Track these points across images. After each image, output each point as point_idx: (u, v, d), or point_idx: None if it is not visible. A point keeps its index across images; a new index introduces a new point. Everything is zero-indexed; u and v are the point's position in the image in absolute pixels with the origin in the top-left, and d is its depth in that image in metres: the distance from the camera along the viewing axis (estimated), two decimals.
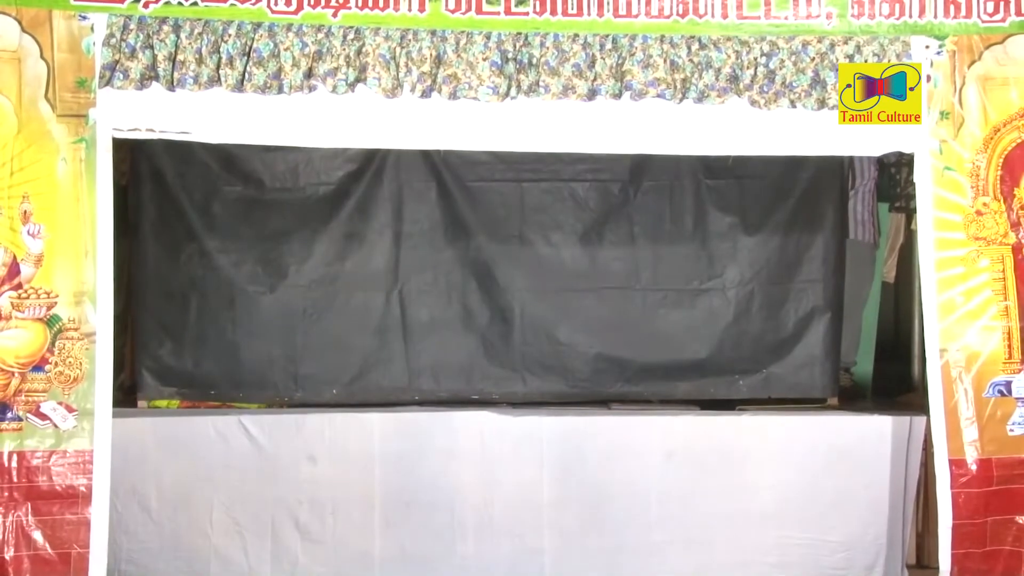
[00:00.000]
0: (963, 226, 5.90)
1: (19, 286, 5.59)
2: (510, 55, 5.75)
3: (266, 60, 5.66)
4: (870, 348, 7.65)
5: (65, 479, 5.59)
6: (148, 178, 7.03)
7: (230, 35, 5.66)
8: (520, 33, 5.77)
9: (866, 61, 5.80)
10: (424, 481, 6.63)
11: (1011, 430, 5.89)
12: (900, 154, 6.41)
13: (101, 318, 5.63)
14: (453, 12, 5.76)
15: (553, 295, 7.18)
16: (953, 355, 5.89)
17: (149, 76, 5.62)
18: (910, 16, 5.88)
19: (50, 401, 5.61)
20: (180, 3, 5.67)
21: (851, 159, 7.34)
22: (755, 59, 5.81)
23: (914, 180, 5.96)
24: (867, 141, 5.93)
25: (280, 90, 5.67)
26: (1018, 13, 5.90)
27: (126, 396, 7.07)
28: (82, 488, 5.59)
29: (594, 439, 6.75)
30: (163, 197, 7.04)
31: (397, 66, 5.70)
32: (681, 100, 5.79)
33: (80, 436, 5.60)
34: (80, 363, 5.61)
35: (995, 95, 5.91)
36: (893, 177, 7.51)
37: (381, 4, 5.73)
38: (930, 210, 5.90)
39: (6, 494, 5.57)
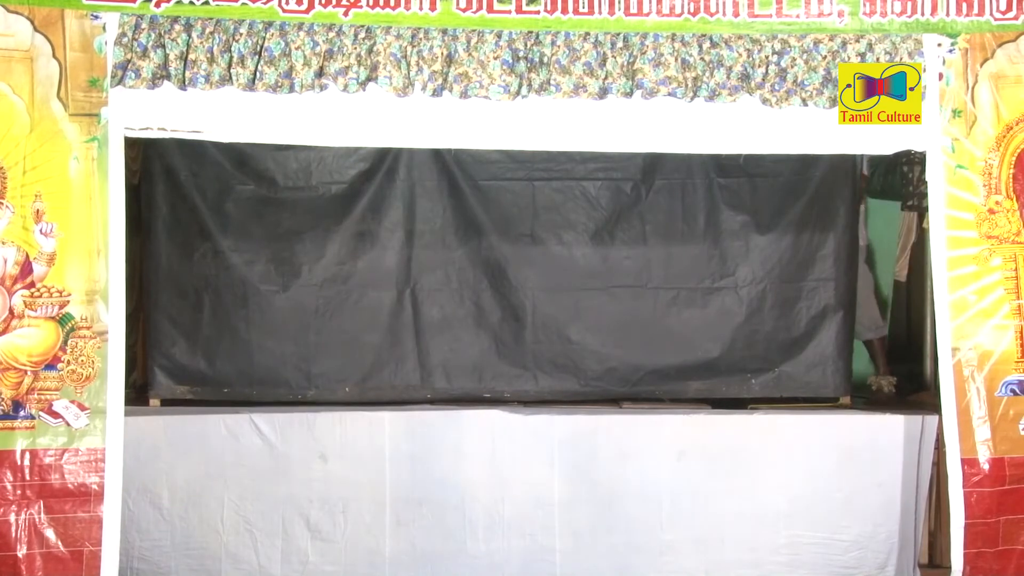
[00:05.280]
0: (975, 224, 5.89)
1: (31, 284, 5.60)
2: (521, 54, 5.75)
3: (277, 59, 5.67)
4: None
5: (77, 477, 5.60)
6: (160, 177, 7.05)
7: (241, 34, 5.67)
8: (531, 32, 5.77)
9: (877, 59, 5.79)
10: (435, 480, 6.64)
11: None
12: (912, 152, 6.41)
13: (113, 316, 5.64)
14: (464, 11, 5.76)
15: (565, 294, 7.18)
16: (965, 354, 5.87)
17: (161, 75, 5.63)
18: (922, 14, 5.86)
19: (62, 399, 5.62)
20: (192, 2, 5.68)
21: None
22: (766, 57, 5.80)
23: (926, 178, 5.95)
24: (879, 139, 5.91)
25: (291, 89, 5.68)
26: None
27: (138, 394, 7.09)
28: (94, 486, 5.60)
29: (605, 438, 6.75)
30: (175, 196, 7.06)
31: (408, 65, 5.70)
32: (692, 98, 5.79)
33: (92, 434, 5.62)
34: (92, 361, 5.63)
35: (1008, 93, 5.90)
36: (905, 175, 7.50)
37: (392, 3, 5.74)
38: (942, 208, 5.88)
39: (19, 492, 5.58)
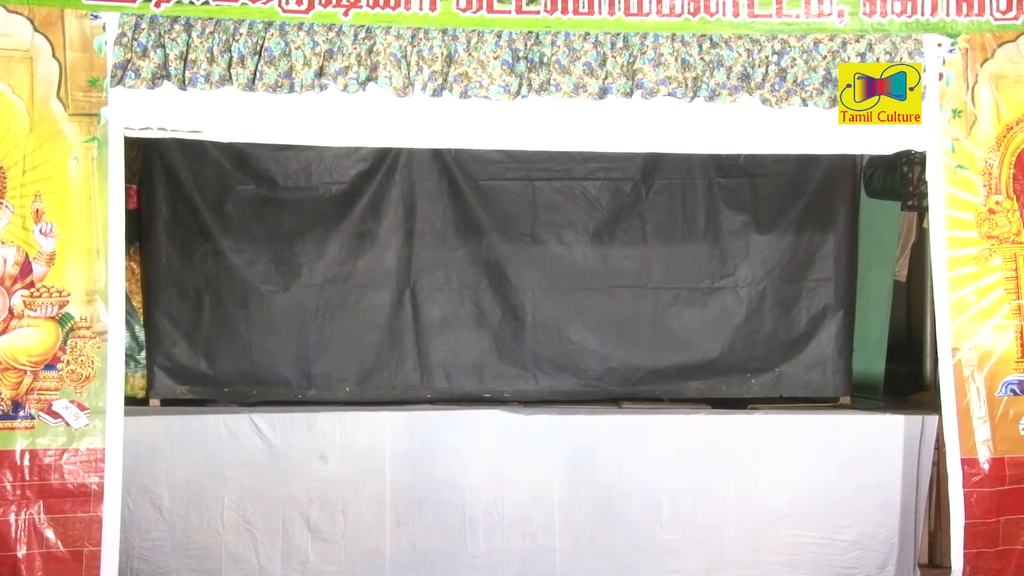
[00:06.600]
0: (975, 224, 5.89)
1: (31, 284, 5.60)
2: (521, 54, 5.75)
3: (277, 59, 5.67)
4: (882, 347, 7.63)
5: (77, 477, 5.60)
6: (160, 177, 7.04)
7: (241, 34, 5.67)
8: (531, 32, 5.77)
9: (877, 59, 5.80)
10: (435, 479, 6.65)
11: None
12: (912, 152, 6.42)
13: (113, 316, 5.64)
14: (464, 11, 5.76)
15: (565, 294, 7.18)
16: (965, 354, 5.87)
17: (161, 75, 5.63)
18: (922, 14, 5.86)
19: (62, 399, 5.62)
20: (192, 2, 5.68)
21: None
22: (766, 57, 5.80)
23: (926, 178, 5.95)
24: (878, 139, 5.93)
25: (291, 89, 5.68)
26: None
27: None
28: (94, 486, 5.60)
29: (605, 438, 6.75)
30: (176, 196, 7.06)
31: (408, 65, 5.70)
32: (692, 99, 5.79)
33: (92, 434, 5.62)
34: (92, 361, 5.63)
35: (1008, 93, 5.90)
36: (905, 175, 7.49)
37: (392, 3, 5.74)
38: (942, 208, 5.89)
39: (18, 492, 5.58)
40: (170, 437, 6.62)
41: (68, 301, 5.62)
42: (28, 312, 5.60)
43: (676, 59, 5.77)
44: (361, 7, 5.74)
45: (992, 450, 5.86)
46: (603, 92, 5.76)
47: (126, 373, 6.29)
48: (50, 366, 5.61)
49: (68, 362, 5.61)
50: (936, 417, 6.34)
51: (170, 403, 7.04)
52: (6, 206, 5.59)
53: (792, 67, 5.80)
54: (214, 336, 7.09)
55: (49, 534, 5.59)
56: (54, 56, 5.61)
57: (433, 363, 7.17)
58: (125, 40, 5.63)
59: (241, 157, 7.07)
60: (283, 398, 7.06)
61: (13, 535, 5.56)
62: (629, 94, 5.77)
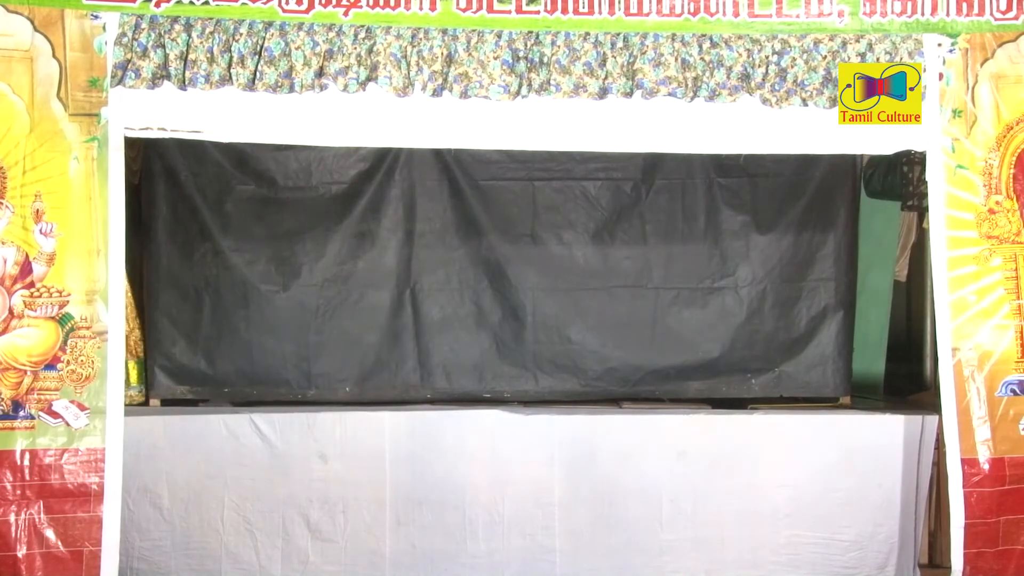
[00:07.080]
0: (975, 224, 5.90)
1: (31, 284, 5.61)
2: (521, 54, 5.76)
3: (277, 59, 5.67)
4: (882, 347, 7.63)
5: (77, 477, 5.61)
6: (160, 177, 7.04)
7: (241, 34, 5.67)
8: (531, 32, 5.78)
9: (878, 59, 5.80)
10: (435, 480, 6.64)
11: None
12: (912, 152, 6.43)
13: (113, 316, 5.65)
14: (464, 11, 5.77)
15: (565, 294, 7.18)
16: (965, 354, 5.88)
17: (161, 75, 5.64)
18: (922, 14, 5.87)
19: (62, 399, 5.63)
20: (192, 2, 5.68)
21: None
22: (767, 57, 5.81)
23: (926, 178, 5.96)
24: (878, 139, 5.94)
25: (291, 89, 5.69)
26: None
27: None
28: (94, 486, 5.61)
29: (605, 438, 6.75)
30: (176, 196, 7.06)
31: (408, 65, 5.71)
32: (692, 99, 5.79)
33: (92, 434, 5.62)
34: (92, 361, 5.63)
35: (1008, 93, 5.91)
36: (905, 175, 7.50)
37: (392, 3, 5.75)
38: (942, 208, 5.89)
39: (18, 492, 5.59)
40: (170, 437, 6.61)
41: (68, 301, 5.63)
42: (28, 312, 5.60)
43: (676, 59, 5.77)
44: (361, 7, 5.74)
45: (992, 450, 5.86)
46: (603, 92, 5.76)
47: None
48: (50, 366, 5.62)
49: (68, 362, 5.62)
50: (936, 417, 6.34)
51: (170, 403, 7.04)
52: (6, 206, 5.60)
53: (792, 67, 5.81)
54: (214, 336, 7.09)
55: (49, 534, 5.59)
56: (54, 56, 5.62)
57: (433, 363, 7.16)
58: (125, 40, 5.63)
59: (241, 157, 7.07)
60: (283, 398, 7.06)
61: (13, 535, 5.56)
62: (629, 94, 5.78)
